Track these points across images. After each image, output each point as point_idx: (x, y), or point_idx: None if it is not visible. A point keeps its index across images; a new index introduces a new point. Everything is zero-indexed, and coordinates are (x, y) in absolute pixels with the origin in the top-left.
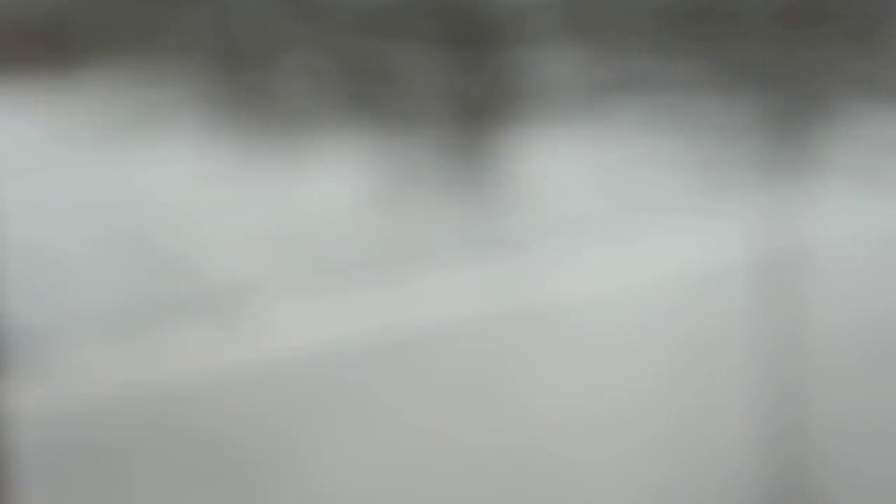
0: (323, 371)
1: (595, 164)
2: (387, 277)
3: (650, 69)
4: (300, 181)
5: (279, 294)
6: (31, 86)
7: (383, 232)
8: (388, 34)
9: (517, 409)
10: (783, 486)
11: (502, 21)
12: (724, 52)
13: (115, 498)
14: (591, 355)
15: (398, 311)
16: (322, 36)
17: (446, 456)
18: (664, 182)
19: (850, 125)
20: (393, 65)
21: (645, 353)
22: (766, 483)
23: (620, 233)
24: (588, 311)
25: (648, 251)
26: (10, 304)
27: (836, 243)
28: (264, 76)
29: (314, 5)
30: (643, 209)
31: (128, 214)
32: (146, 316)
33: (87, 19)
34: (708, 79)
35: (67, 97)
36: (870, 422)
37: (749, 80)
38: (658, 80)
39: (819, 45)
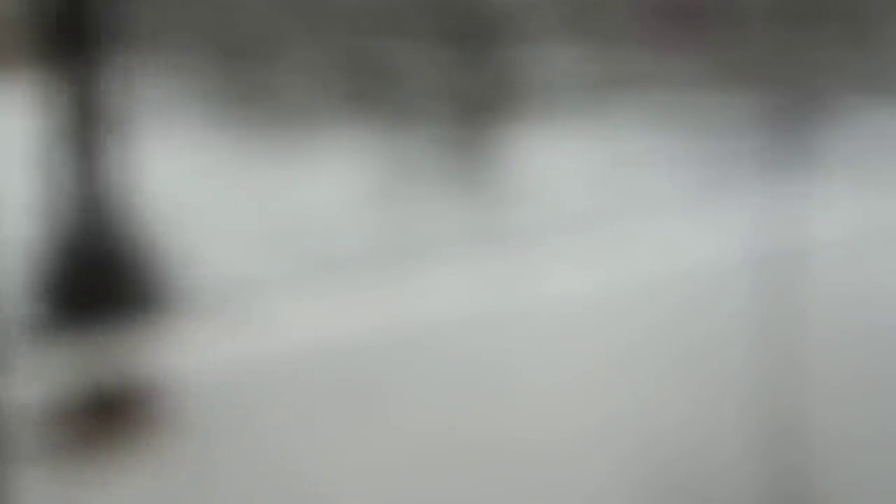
0: (323, 367)
1: (593, 161)
2: (386, 273)
3: (649, 66)
4: (300, 177)
5: (279, 290)
6: (33, 81)
7: (383, 227)
8: (388, 31)
9: (514, 407)
10: (780, 488)
11: (501, 18)
12: (723, 49)
13: None
14: (590, 352)
15: (397, 306)
16: (322, 33)
17: (445, 448)
18: (662, 179)
19: (849, 123)
20: (392, 62)
21: (643, 350)
22: (763, 484)
23: (618, 229)
24: (587, 308)
25: (647, 248)
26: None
27: (836, 240)
28: (265, 73)
29: (314, 2)
30: (641, 206)
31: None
32: (146, 312)
33: None
34: (706, 76)
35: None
36: (867, 421)
37: (747, 77)
38: (656, 77)
39: (819, 44)
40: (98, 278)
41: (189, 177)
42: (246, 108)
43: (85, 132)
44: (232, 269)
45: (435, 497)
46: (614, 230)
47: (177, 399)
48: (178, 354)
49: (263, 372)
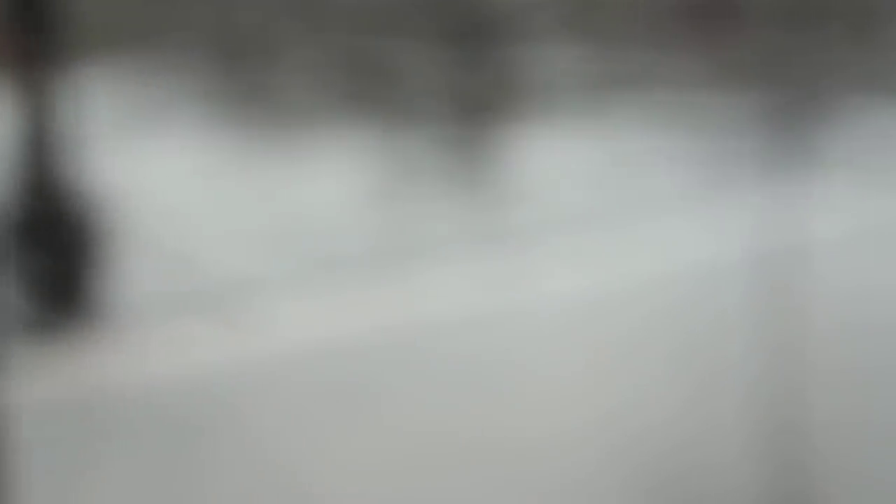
0: (323, 367)
1: (593, 161)
2: (386, 273)
3: (649, 66)
4: (300, 177)
5: (279, 290)
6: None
7: (383, 227)
8: (388, 31)
9: (514, 406)
10: (780, 486)
11: (501, 18)
12: (724, 49)
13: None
14: (590, 351)
15: (396, 306)
16: (322, 33)
17: (444, 448)
18: (662, 179)
19: (850, 123)
20: (392, 61)
21: (642, 349)
22: (764, 483)
23: (618, 229)
24: (586, 307)
25: (646, 247)
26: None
27: (835, 239)
28: (265, 73)
29: (314, 2)
30: (641, 206)
31: (128, 208)
32: (147, 311)
33: (90, 15)
34: (707, 76)
35: (70, 92)
36: (865, 418)
37: (748, 77)
38: (656, 77)
39: (820, 44)
40: (57, 274)
41: (189, 177)
42: (246, 108)
43: (40, 130)
44: (232, 269)
45: (434, 497)
46: (614, 230)
47: (173, 398)
48: (176, 354)
49: (263, 372)
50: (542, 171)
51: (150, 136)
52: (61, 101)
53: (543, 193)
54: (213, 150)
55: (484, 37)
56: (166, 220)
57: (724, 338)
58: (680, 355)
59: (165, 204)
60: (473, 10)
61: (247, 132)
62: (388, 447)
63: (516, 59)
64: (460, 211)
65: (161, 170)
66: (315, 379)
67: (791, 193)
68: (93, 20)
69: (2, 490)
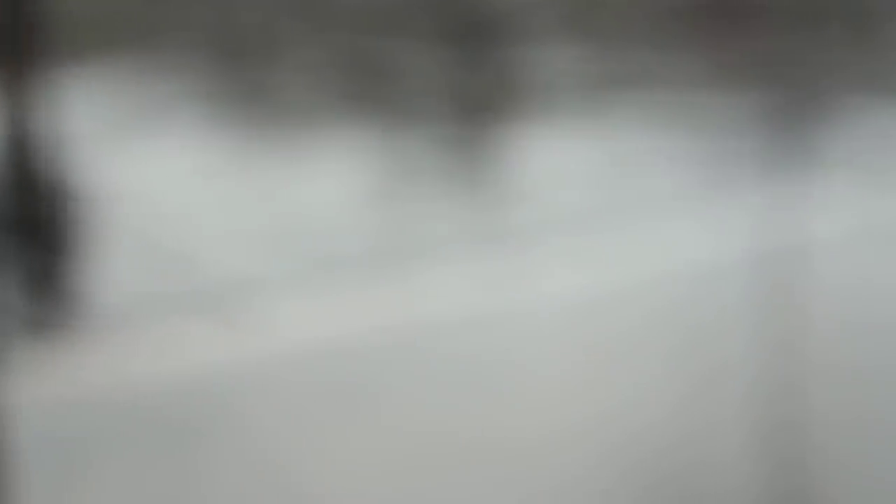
0: (322, 367)
1: (593, 161)
2: (386, 273)
3: (649, 66)
4: (300, 177)
5: (279, 290)
6: (33, 80)
7: (383, 227)
8: (388, 31)
9: (514, 406)
10: (780, 485)
11: (501, 18)
12: (731, 50)
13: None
14: (590, 352)
15: (396, 306)
16: (322, 33)
17: (444, 449)
18: (662, 178)
19: (850, 122)
20: (392, 61)
21: (642, 349)
22: (764, 483)
23: (618, 229)
24: (586, 308)
25: (647, 247)
26: None
27: (835, 240)
28: (265, 72)
29: (314, 2)
30: (641, 206)
31: (127, 209)
32: (145, 311)
33: (89, 15)
34: (706, 76)
35: (68, 92)
36: (867, 417)
37: (748, 77)
38: (657, 76)
39: (820, 44)
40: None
41: (189, 177)
42: (246, 107)
43: (34, 130)
44: (232, 269)
45: (435, 497)
46: (614, 230)
47: (172, 398)
48: (175, 354)
49: (262, 372)
50: (542, 171)
51: (150, 136)
52: (55, 100)
53: (543, 193)
54: (213, 150)
55: (484, 37)
56: (165, 220)
57: (723, 337)
58: (680, 354)
59: (165, 204)
60: (473, 10)
61: (247, 132)
62: (387, 447)
63: (516, 59)
64: (460, 211)
65: (160, 170)
66: (315, 379)
67: (791, 193)
68: (91, 19)
69: (0, 491)
